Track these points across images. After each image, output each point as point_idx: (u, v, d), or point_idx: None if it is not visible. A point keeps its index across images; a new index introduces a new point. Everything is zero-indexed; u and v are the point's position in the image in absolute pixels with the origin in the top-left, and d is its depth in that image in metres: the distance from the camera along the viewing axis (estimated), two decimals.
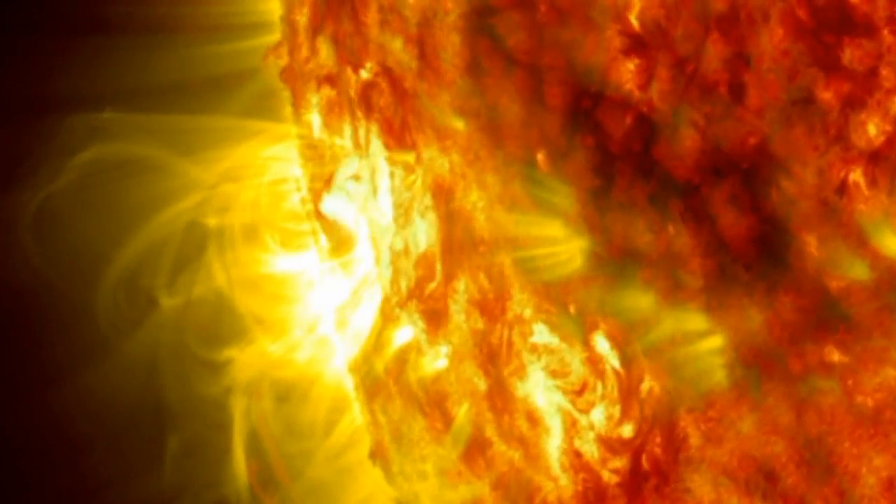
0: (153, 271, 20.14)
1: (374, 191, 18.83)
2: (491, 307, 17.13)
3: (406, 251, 18.38)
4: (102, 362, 19.49)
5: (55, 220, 19.63)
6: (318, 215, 20.52)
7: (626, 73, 15.31)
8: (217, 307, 20.10)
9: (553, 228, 16.18)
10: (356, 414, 20.09)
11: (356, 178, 19.40)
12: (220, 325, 20.10)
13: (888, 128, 13.77)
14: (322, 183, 20.23)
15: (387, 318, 19.11)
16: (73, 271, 19.72)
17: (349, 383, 20.12)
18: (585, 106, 15.70)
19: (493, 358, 17.24)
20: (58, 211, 19.61)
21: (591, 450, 16.38)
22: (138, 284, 20.02)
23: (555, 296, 16.28)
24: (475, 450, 17.88)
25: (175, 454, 19.51)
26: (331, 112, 19.66)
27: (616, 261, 15.64)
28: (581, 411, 16.44)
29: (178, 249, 20.12)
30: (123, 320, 19.71)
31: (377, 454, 19.74)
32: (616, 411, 16.09)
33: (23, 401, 19.30)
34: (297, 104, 20.38)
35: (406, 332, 18.78)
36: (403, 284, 18.53)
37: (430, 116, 17.39)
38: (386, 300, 19.04)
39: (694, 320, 15.26)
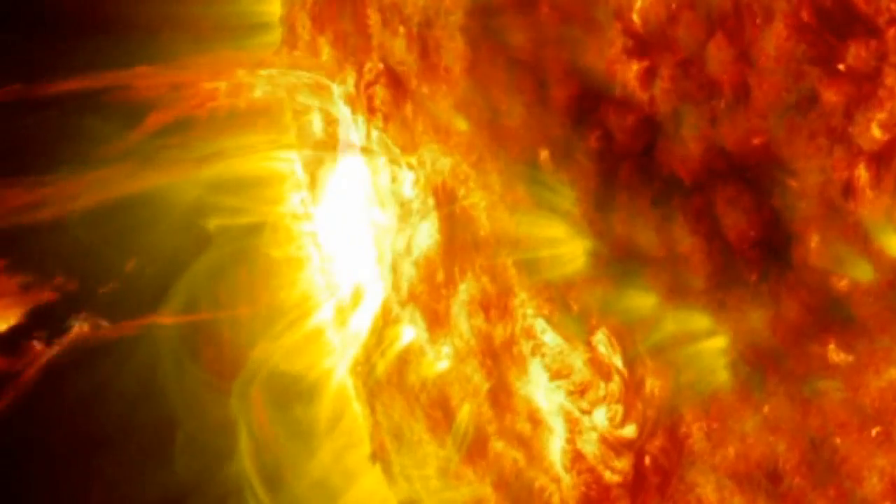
0: (153, 272, 20.12)
1: (376, 191, 18.82)
2: (493, 308, 17.12)
3: (407, 251, 18.37)
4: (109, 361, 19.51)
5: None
6: (319, 216, 20.50)
7: (629, 73, 15.30)
8: (218, 307, 20.09)
9: (556, 229, 16.17)
10: (357, 415, 20.07)
11: (357, 178, 19.38)
12: (223, 326, 20.08)
13: (892, 129, 13.77)
14: (323, 183, 20.22)
15: (388, 318, 19.09)
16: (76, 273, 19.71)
17: (350, 384, 20.10)
18: (588, 106, 15.69)
19: (495, 358, 17.23)
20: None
21: (593, 450, 16.36)
22: (140, 284, 20.00)
23: (557, 296, 16.27)
24: (477, 450, 17.86)
25: (178, 454, 19.51)
26: (331, 112, 19.64)
27: (619, 261, 15.63)
28: (583, 412, 16.42)
29: (178, 251, 20.10)
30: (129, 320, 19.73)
31: (378, 455, 19.71)
32: (619, 412, 16.08)
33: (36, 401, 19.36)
34: (298, 105, 20.36)
35: (408, 332, 18.76)
36: (405, 285, 18.52)
37: (432, 117, 17.37)
38: (387, 300, 19.02)
39: (697, 320, 15.26)
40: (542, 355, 16.63)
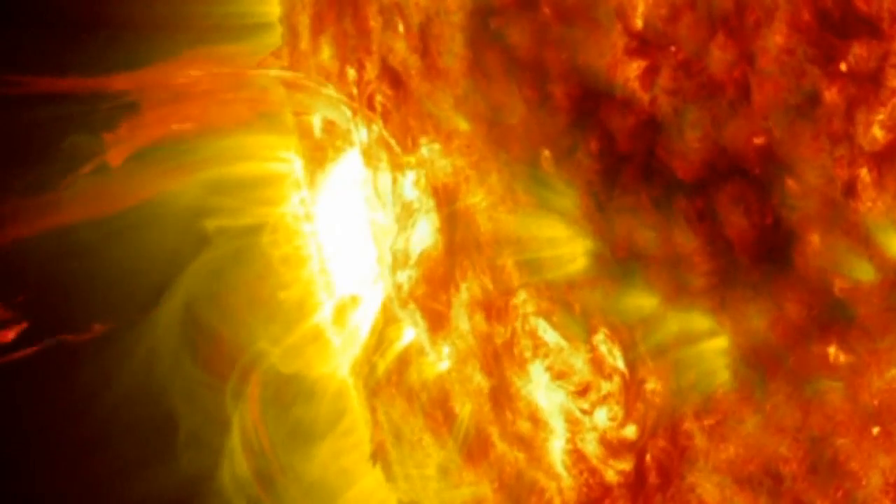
0: (152, 272, 20.11)
1: (376, 191, 18.82)
2: (494, 308, 17.12)
3: (408, 252, 18.36)
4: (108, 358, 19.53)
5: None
6: (319, 216, 20.51)
7: (631, 73, 15.30)
8: (217, 307, 20.08)
9: (557, 229, 16.17)
10: (357, 415, 20.07)
11: (357, 179, 19.38)
12: (222, 325, 20.08)
13: (894, 129, 13.78)
14: (323, 184, 20.22)
15: (388, 318, 19.09)
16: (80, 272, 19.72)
17: (350, 384, 20.10)
18: (589, 106, 15.69)
19: (497, 358, 17.23)
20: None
21: (594, 450, 16.37)
22: (138, 284, 20.00)
23: (559, 296, 16.27)
24: (477, 450, 17.87)
25: (180, 452, 19.52)
26: (332, 113, 19.64)
27: (620, 261, 15.64)
28: (584, 412, 16.43)
29: (177, 251, 20.10)
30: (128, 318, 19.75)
31: (378, 455, 19.71)
32: (620, 412, 16.08)
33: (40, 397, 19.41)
34: (298, 105, 20.35)
35: (408, 332, 18.76)
36: (405, 285, 18.51)
37: (433, 117, 17.37)
38: (387, 301, 19.02)
39: (698, 321, 15.26)
40: (543, 355, 16.63)
